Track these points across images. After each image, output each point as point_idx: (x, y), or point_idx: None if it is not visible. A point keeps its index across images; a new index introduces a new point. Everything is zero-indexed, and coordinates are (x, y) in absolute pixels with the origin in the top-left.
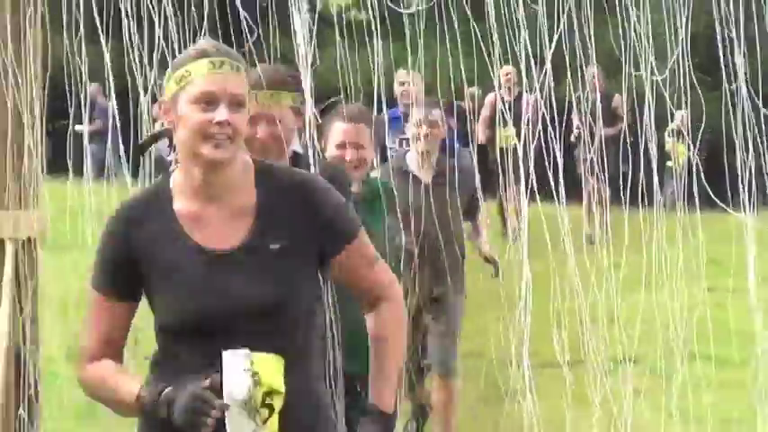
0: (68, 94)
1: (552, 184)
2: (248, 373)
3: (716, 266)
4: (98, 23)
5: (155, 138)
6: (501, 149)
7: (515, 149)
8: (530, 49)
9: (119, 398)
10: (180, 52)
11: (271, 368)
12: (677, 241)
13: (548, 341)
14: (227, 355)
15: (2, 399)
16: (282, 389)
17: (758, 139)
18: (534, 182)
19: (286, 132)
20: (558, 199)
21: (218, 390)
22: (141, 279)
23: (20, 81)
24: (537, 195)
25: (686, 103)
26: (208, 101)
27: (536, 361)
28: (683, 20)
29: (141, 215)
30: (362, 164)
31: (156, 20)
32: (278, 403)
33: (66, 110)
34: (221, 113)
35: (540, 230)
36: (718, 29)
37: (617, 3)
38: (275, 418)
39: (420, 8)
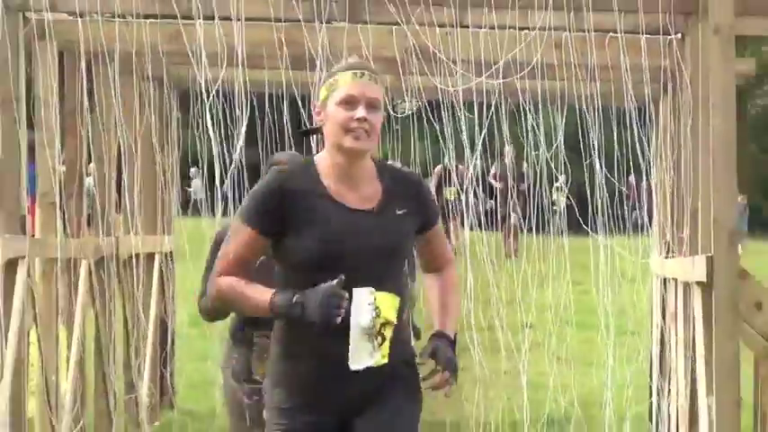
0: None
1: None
2: (371, 306)
3: (582, 269)
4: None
5: (314, 130)
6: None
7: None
8: (466, 142)
9: (252, 302)
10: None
11: (387, 304)
12: (558, 254)
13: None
14: (358, 291)
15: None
16: (395, 321)
17: (606, 192)
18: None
19: None
20: (482, 228)
21: (343, 290)
22: (284, 223)
23: (165, 160)
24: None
25: (564, 171)
26: (350, 102)
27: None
28: (562, 121)
29: (294, 177)
30: None
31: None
32: (389, 333)
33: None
34: (360, 112)
35: (474, 250)
36: (579, 132)
37: (522, 109)
38: (387, 344)
39: (409, 113)
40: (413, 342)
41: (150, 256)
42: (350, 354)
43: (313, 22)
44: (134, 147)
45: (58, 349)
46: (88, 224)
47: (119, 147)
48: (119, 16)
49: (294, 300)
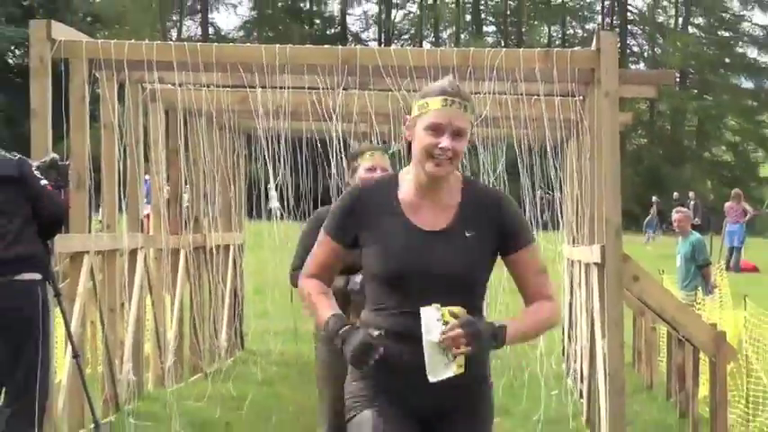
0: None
1: None
2: (440, 322)
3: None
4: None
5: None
6: None
7: None
8: None
9: (316, 313)
10: None
11: (456, 315)
12: None
13: None
14: (425, 311)
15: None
16: None
17: (534, 202)
18: None
19: None
20: None
21: (381, 342)
22: (360, 236)
23: (236, 183)
24: None
25: (505, 188)
26: (436, 129)
27: None
28: (503, 156)
29: (373, 192)
30: None
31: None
32: None
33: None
34: (444, 141)
35: None
36: (518, 161)
37: (476, 147)
38: (462, 355)
39: (397, 149)
40: None
41: (226, 247)
42: (426, 367)
43: (334, 89)
44: (215, 174)
45: (164, 310)
46: (185, 226)
47: (204, 174)
48: (205, 86)
49: (340, 332)
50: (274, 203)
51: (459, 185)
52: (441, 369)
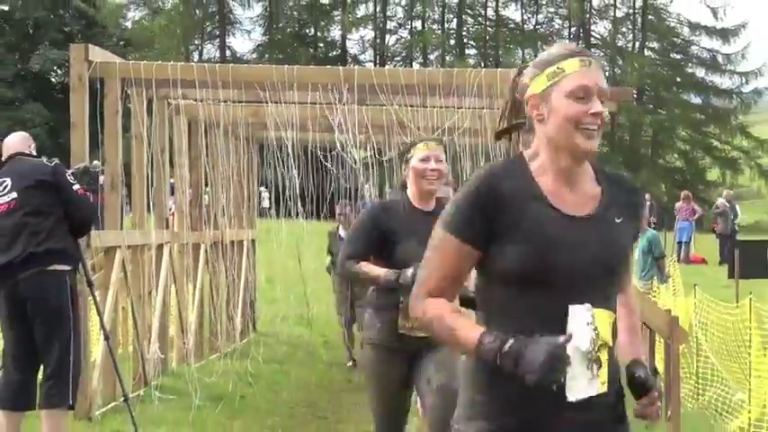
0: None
1: None
2: (591, 326)
3: None
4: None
5: (516, 126)
6: None
7: None
8: None
9: (456, 340)
10: None
11: (604, 323)
12: None
13: None
14: (577, 309)
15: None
16: (611, 343)
17: None
18: None
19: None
20: None
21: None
22: (495, 228)
23: (250, 186)
24: None
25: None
26: (582, 95)
27: None
28: (482, 160)
29: (505, 176)
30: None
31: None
32: (604, 357)
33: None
34: (596, 105)
35: None
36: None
37: (459, 155)
38: (605, 369)
39: (391, 157)
40: None
41: (240, 242)
42: (566, 383)
43: (335, 104)
44: (231, 178)
45: (186, 297)
46: (204, 223)
47: (221, 178)
48: (222, 101)
49: (507, 348)
50: (265, 203)
51: (591, 172)
52: (583, 385)
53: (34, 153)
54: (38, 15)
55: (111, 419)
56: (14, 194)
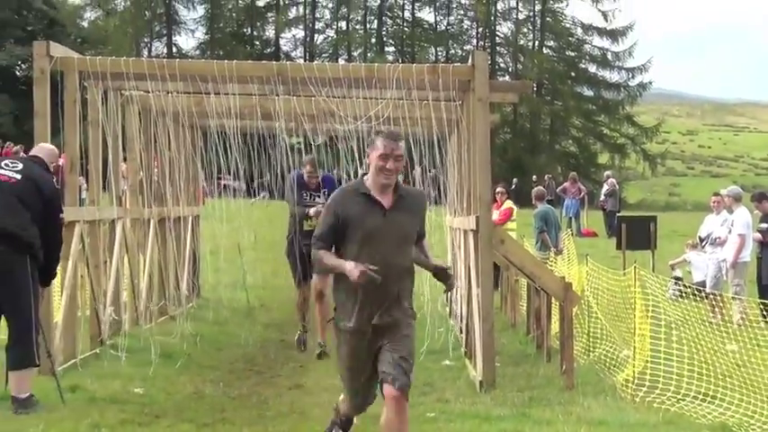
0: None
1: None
2: None
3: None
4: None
5: None
6: None
7: None
8: (350, 159)
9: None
10: None
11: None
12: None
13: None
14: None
15: None
16: None
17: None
18: None
19: None
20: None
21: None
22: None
23: (194, 168)
24: None
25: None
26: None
27: None
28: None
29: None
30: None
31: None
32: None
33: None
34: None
35: None
36: (411, 150)
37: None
38: None
39: (321, 142)
40: None
41: (186, 218)
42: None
43: (271, 95)
44: (178, 161)
45: (138, 266)
46: (154, 201)
47: (169, 161)
48: (170, 92)
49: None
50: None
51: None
52: None
53: (51, 169)
54: (3, 16)
55: (72, 374)
56: (18, 176)
